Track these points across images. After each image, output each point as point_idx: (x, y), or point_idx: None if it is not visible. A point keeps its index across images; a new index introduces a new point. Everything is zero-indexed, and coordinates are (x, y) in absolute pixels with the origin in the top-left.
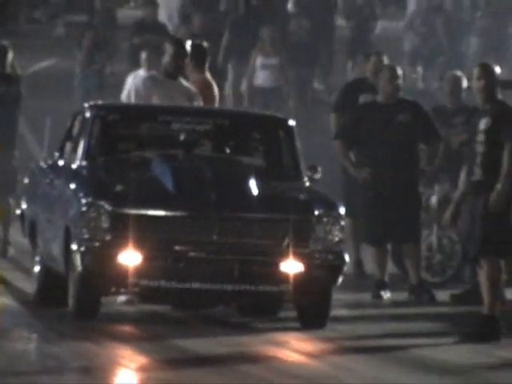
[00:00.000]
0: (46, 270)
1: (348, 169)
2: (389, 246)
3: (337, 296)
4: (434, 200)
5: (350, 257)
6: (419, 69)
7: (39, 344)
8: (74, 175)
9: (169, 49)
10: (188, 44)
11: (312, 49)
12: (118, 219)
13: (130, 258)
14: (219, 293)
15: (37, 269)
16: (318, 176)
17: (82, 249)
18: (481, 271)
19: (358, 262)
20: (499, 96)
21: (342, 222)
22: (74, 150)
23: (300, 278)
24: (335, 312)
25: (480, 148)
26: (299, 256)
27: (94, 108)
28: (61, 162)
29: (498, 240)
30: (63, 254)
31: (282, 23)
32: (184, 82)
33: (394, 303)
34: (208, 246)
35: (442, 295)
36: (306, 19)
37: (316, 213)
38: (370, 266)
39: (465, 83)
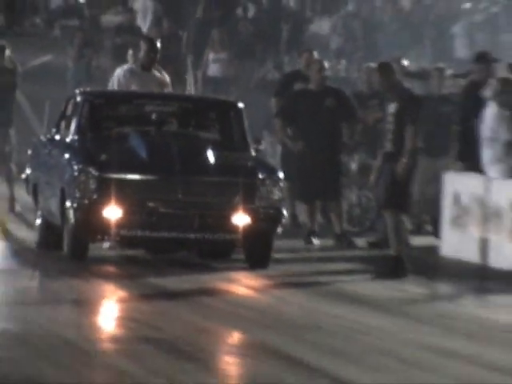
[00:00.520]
0: (45, 222)
1: (286, 142)
2: (317, 203)
3: (277, 242)
4: (353, 167)
5: (287, 211)
6: (342, 62)
7: (40, 280)
8: (68, 147)
9: (143, 46)
10: (158, 42)
11: (254, 46)
12: (103, 182)
13: (112, 212)
14: (183, 240)
15: (38, 221)
16: (261, 147)
17: (75, 205)
18: (387, 222)
19: (293, 216)
20: (406, 84)
21: (281, 184)
22: (68, 127)
23: (247, 228)
24: (276, 255)
25: (390, 126)
26: (247, 211)
27: (84, 94)
28: (57, 137)
29: (398, 199)
30: (59, 210)
31: (232, 26)
32: (156, 73)
33: (322, 248)
34: (174, 203)
35: (361, 242)
36: (251, 24)
37: (260, 176)
38: (303, 218)
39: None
